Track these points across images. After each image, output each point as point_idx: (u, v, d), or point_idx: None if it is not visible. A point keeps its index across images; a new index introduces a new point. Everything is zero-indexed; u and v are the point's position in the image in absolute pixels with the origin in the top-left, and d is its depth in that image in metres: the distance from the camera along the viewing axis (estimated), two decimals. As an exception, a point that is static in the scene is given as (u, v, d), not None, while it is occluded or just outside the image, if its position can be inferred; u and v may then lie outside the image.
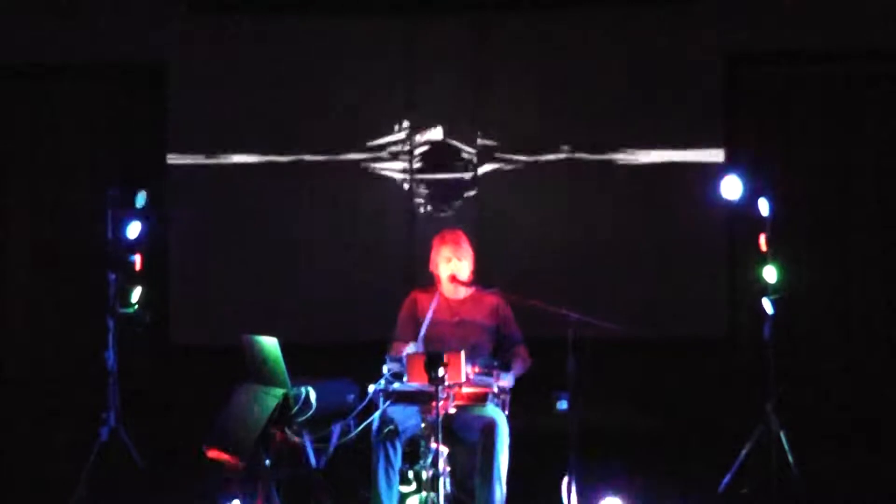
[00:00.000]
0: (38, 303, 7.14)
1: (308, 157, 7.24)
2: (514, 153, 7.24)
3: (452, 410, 4.48)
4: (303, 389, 4.47)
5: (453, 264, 4.95)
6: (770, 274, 5.59)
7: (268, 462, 4.50)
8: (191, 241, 7.19)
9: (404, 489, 4.59)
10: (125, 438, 5.63)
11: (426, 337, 4.78)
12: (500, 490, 4.55)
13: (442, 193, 7.25)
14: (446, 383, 4.27)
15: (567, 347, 4.50)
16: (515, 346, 4.98)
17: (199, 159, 7.19)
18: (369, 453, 4.56)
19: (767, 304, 5.58)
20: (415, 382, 4.43)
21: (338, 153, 7.22)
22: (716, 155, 7.13)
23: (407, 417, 4.58)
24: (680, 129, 7.19)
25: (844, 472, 5.85)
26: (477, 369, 4.59)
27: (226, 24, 7.18)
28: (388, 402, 4.47)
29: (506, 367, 4.79)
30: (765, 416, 5.50)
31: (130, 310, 5.75)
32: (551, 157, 7.24)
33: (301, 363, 4.54)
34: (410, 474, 4.60)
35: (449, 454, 4.49)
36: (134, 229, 5.80)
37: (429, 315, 4.81)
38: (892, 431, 6.53)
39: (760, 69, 7.18)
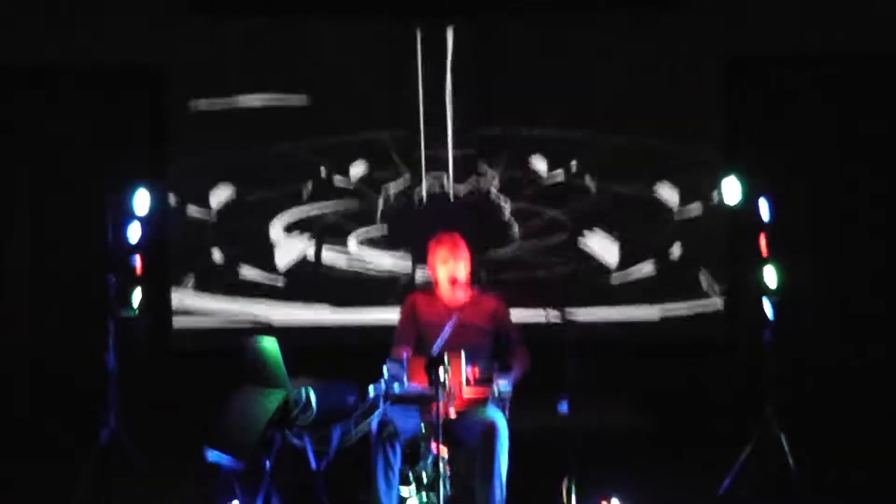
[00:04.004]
0: (39, 304, 7.14)
1: (307, 158, 7.23)
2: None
3: (452, 413, 4.48)
4: (303, 391, 4.47)
5: (450, 266, 4.95)
6: (770, 276, 5.59)
7: (268, 464, 4.50)
8: (191, 242, 7.19)
9: (404, 491, 4.59)
10: (125, 440, 5.63)
11: (426, 339, 4.79)
12: (500, 492, 4.55)
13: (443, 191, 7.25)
14: (446, 386, 4.27)
15: (567, 349, 4.50)
16: (515, 348, 4.98)
17: (198, 160, 7.18)
18: (369, 455, 4.56)
19: (767, 306, 5.58)
20: (415, 384, 4.43)
21: (337, 158, 7.21)
22: (715, 156, 7.12)
23: (407, 419, 4.58)
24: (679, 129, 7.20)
25: (844, 473, 5.84)
26: (477, 372, 4.59)
27: (226, 25, 7.17)
28: (387, 404, 4.47)
29: (505, 370, 4.79)
30: (765, 419, 5.50)
31: (131, 312, 5.75)
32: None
33: (301, 364, 4.54)
34: (410, 476, 4.60)
35: (449, 456, 4.49)
36: (134, 231, 5.80)
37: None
38: (892, 432, 6.52)
39: (760, 70, 7.17)
